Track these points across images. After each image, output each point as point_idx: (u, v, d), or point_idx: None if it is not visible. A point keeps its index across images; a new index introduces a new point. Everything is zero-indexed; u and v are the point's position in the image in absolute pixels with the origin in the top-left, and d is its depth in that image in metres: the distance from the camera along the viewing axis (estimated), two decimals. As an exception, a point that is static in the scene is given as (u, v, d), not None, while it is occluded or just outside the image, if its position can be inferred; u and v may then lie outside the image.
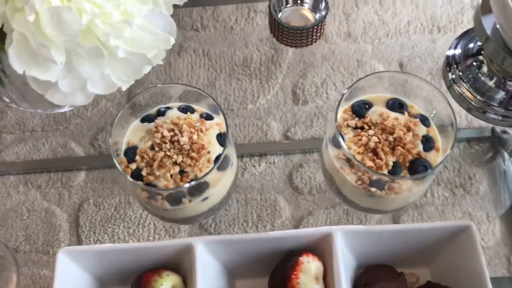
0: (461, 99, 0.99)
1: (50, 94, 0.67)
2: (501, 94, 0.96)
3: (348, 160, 0.74)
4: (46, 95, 0.67)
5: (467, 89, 0.98)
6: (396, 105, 0.77)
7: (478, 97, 0.97)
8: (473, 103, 0.98)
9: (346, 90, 0.77)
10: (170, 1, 0.69)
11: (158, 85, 0.78)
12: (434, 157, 0.77)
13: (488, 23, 0.87)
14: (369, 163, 0.73)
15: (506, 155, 0.98)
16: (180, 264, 0.74)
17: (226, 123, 0.74)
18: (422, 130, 0.76)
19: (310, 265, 0.75)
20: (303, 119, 1.02)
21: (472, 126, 1.02)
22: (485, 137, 1.02)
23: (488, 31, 0.83)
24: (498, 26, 0.84)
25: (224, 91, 1.04)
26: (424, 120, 0.77)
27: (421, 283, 0.83)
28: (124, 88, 0.68)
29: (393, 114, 0.76)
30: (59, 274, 0.73)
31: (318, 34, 1.00)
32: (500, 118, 0.98)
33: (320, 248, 0.77)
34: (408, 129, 0.75)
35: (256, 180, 0.97)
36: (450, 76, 1.00)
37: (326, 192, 0.96)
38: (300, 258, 0.75)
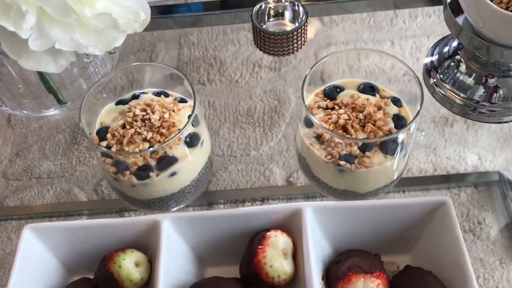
0: (445, 100, 0.96)
1: (24, 60, 0.68)
2: (481, 90, 0.92)
3: (318, 137, 0.73)
4: (20, 60, 0.68)
5: (449, 89, 0.95)
6: (368, 88, 0.76)
7: (461, 95, 0.94)
8: (456, 102, 0.95)
9: (312, 67, 0.77)
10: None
11: (131, 65, 0.77)
12: (408, 135, 0.74)
13: (459, 19, 0.86)
14: (338, 139, 0.71)
15: None
16: (147, 244, 0.70)
17: (194, 96, 0.74)
18: (393, 109, 0.74)
19: (278, 239, 0.69)
20: None
21: (478, 171, 0.97)
22: (492, 181, 0.96)
23: (462, 25, 0.84)
24: (469, 19, 0.83)
25: (228, 139, 1.01)
26: (396, 101, 0.75)
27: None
28: (91, 51, 0.68)
29: (364, 96, 0.75)
30: (23, 253, 0.70)
31: (300, 42, 0.99)
32: (486, 113, 0.94)
33: (290, 226, 0.71)
34: (379, 108, 0.73)
35: None
36: (432, 81, 0.97)
37: None
38: (268, 233, 0.70)
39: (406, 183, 0.95)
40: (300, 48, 1.01)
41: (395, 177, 0.78)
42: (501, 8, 0.74)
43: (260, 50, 1.01)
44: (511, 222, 0.90)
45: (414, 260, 0.77)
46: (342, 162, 0.70)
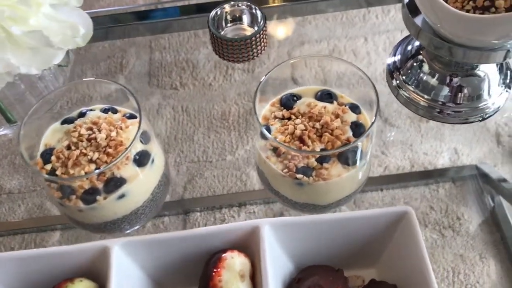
0: (409, 103, 0.87)
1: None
2: (446, 90, 0.84)
3: (274, 150, 0.65)
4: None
5: (413, 91, 0.86)
6: (325, 96, 0.69)
7: (425, 96, 0.85)
8: (421, 103, 0.86)
9: (265, 76, 0.69)
10: (80, -6, 0.60)
11: (77, 81, 0.68)
12: (366, 143, 0.66)
13: (417, 20, 0.77)
14: (295, 152, 0.64)
15: (493, 192, 0.84)
16: (98, 272, 0.62)
17: (140, 112, 0.65)
18: (351, 117, 0.67)
19: (234, 260, 0.62)
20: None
21: (456, 165, 0.89)
22: (470, 175, 0.88)
23: (421, 25, 0.75)
24: (427, 20, 0.74)
25: (203, 144, 0.93)
26: (355, 108, 0.68)
27: (367, 285, 0.67)
28: (26, 71, 0.58)
29: (321, 104, 0.68)
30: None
31: (260, 47, 0.90)
32: (451, 114, 0.85)
33: (249, 245, 0.63)
34: (337, 116, 0.66)
35: None
36: (395, 82, 0.88)
37: None
38: (224, 255, 0.62)
39: (384, 181, 0.88)
40: (261, 53, 0.92)
41: (357, 187, 0.70)
42: (456, 7, 0.62)
43: (220, 57, 0.91)
44: (489, 216, 0.83)
45: (380, 273, 0.70)
46: (299, 176, 0.63)
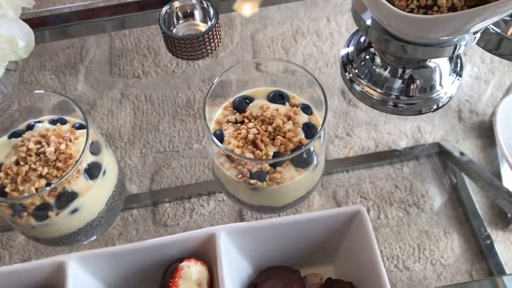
0: (364, 97, 0.83)
1: None
2: (398, 83, 0.80)
3: (228, 156, 0.62)
4: None
5: (366, 85, 0.82)
6: (277, 97, 0.66)
7: (378, 90, 0.81)
8: (374, 97, 0.82)
9: (212, 84, 0.64)
10: (17, 4, 0.54)
11: (24, 93, 0.63)
12: (318, 144, 0.63)
13: (366, 15, 0.73)
14: (249, 155, 0.61)
15: (456, 169, 0.82)
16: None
17: (86, 122, 0.60)
18: (303, 118, 0.64)
19: (191, 269, 0.59)
20: None
21: (419, 143, 0.86)
22: (433, 153, 0.86)
23: (368, 22, 0.71)
24: (374, 17, 0.71)
25: (169, 134, 0.89)
26: (306, 109, 0.66)
27: (325, 283, 0.66)
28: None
29: (273, 106, 0.65)
30: None
31: (213, 44, 0.85)
32: (405, 106, 0.81)
33: (206, 252, 0.61)
34: (289, 118, 0.64)
35: (205, 220, 0.81)
36: (348, 76, 0.85)
37: None
38: (180, 264, 0.59)
39: (350, 162, 0.85)
40: (215, 49, 0.88)
41: (312, 186, 0.68)
42: (401, 6, 0.58)
43: (173, 55, 0.85)
44: (452, 192, 0.81)
45: (337, 270, 0.68)
46: (253, 181, 0.61)
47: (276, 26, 1.01)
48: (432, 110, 0.81)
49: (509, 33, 0.77)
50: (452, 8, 0.59)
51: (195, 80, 0.95)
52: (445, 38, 0.65)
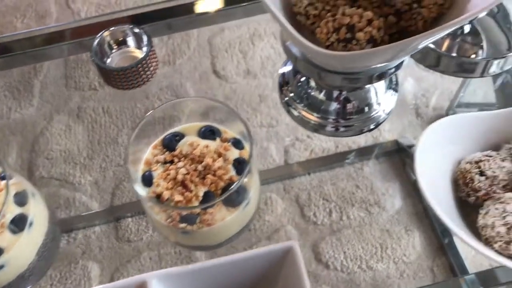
0: (303, 121, 0.79)
1: None
2: (334, 106, 0.77)
3: (157, 198, 0.60)
4: None
5: (302, 109, 0.78)
6: (208, 133, 0.64)
7: (315, 114, 0.77)
8: (312, 122, 0.78)
9: (138, 124, 0.62)
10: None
11: None
12: (250, 180, 0.61)
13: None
14: (178, 198, 0.58)
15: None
16: None
17: (7, 178, 0.57)
18: (234, 153, 0.62)
19: None
20: None
21: (378, 142, 0.86)
22: (391, 151, 0.86)
23: (296, 52, 0.67)
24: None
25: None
26: (238, 143, 0.63)
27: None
28: None
29: (203, 142, 0.63)
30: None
31: (149, 73, 0.83)
32: (344, 129, 0.78)
33: None
34: (219, 155, 0.61)
35: None
36: (284, 98, 0.80)
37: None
38: None
39: (311, 164, 0.85)
40: (152, 76, 0.84)
41: (248, 221, 0.65)
42: (322, 38, 0.58)
43: (111, 86, 0.83)
44: (412, 189, 0.81)
45: None
46: (182, 225, 0.58)
47: (233, 30, 1.00)
48: (371, 129, 0.78)
49: (443, 49, 0.77)
50: (372, 40, 0.57)
51: (153, 89, 0.94)
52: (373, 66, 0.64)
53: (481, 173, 0.62)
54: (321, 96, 0.77)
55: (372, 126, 0.78)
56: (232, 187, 0.57)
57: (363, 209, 0.81)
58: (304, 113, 0.78)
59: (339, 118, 0.77)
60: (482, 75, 0.78)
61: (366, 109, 0.77)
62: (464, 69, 0.78)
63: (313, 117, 0.78)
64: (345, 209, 0.81)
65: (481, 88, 0.91)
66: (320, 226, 0.80)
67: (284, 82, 0.81)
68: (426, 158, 0.64)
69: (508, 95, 0.87)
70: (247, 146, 0.62)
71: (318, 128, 0.79)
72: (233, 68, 0.94)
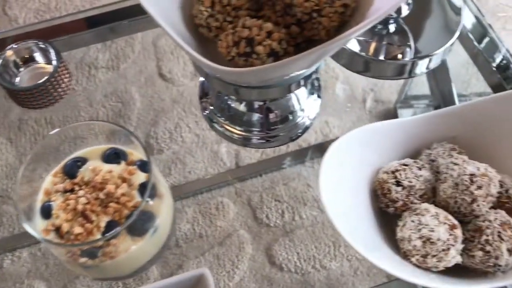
0: (227, 136, 0.78)
1: None
2: (256, 117, 0.75)
3: (57, 230, 0.57)
4: None
5: (224, 123, 0.77)
6: (112, 156, 0.60)
7: (237, 127, 0.76)
8: (235, 136, 0.77)
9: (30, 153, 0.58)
10: None
11: None
12: (158, 204, 0.58)
13: None
14: (78, 230, 0.55)
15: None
16: None
17: None
18: (139, 178, 0.59)
19: None
20: (160, 169, 0.84)
21: (328, 139, 0.85)
22: None
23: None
24: None
25: None
26: (144, 166, 0.60)
27: None
28: None
29: (107, 167, 0.59)
30: None
31: (60, 90, 0.81)
32: (271, 139, 0.77)
33: None
34: (123, 180, 0.58)
35: None
36: (205, 112, 0.78)
37: (193, 240, 0.78)
38: None
39: (262, 166, 0.84)
40: (66, 91, 0.82)
41: (158, 249, 0.62)
42: (223, 52, 0.56)
43: (21, 106, 0.82)
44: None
45: None
46: (83, 260, 0.55)
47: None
48: (298, 136, 0.78)
49: (371, 52, 0.76)
50: (273, 53, 0.55)
51: (97, 96, 0.91)
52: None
53: (398, 183, 0.61)
54: (242, 107, 0.75)
55: (299, 133, 0.77)
56: (132, 215, 0.54)
57: (315, 208, 0.80)
58: (227, 126, 0.76)
59: (264, 129, 0.76)
60: (410, 76, 0.77)
61: (290, 117, 0.76)
62: (391, 72, 0.77)
63: (236, 131, 0.76)
64: (297, 209, 0.80)
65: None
66: (273, 228, 0.80)
67: (203, 93, 0.79)
68: (336, 173, 0.62)
69: (442, 91, 0.86)
70: (154, 168, 0.59)
71: (244, 142, 0.77)
72: (180, 71, 0.93)
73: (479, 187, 0.57)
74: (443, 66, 0.83)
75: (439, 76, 0.86)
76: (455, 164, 0.59)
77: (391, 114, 0.89)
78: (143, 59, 0.96)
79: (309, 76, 0.63)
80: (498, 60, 0.81)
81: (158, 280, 0.73)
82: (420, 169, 0.62)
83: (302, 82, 0.63)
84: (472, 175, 0.58)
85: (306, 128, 0.78)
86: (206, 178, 0.83)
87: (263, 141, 0.76)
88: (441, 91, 0.85)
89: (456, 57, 0.86)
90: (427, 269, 0.58)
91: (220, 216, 0.80)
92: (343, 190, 0.61)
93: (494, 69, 0.80)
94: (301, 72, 0.60)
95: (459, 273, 0.58)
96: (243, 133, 0.76)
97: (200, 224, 0.80)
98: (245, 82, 0.61)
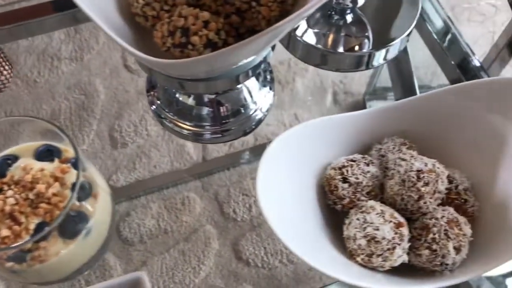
0: (181, 134, 0.75)
1: None
2: (205, 110, 0.73)
3: None
4: None
5: (173, 118, 0.74)
6: (45, 153, 0.58)
7: (187, 123, 0.73)
8: (185, 132, 0.74)
9: None
10: None
11: None
12: (92, 205, 0.57)
13: None
14: (5, 233, 0.52)
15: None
16: None
17: None
18: (73, 176, 0.56)
19: None
20: (125, 163, 0.84)
21: None
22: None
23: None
24: None
25: None
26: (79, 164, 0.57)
27: None
28: None
29: (38, 165, 0.56)
30: None
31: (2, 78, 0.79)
32: (223, 135, 0.75)
33: None
34: (56, 179, 0.55)
35: None
36: (152, 106, 0.75)
37: (158, 236, 0.78)
38: None
39: (230, 159, 0.84)
40: (6, 82, 0.81)
41: (94, 252, 0.60)
42: (158, 43, 0.54)
43: None
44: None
45: None
46: (9, 264, 0.52)
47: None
48: (253, 129, 0.76)
49: (329, 44, 0.75)
50: (211, 44, 0.53)
51: (60, 89, 0.90)
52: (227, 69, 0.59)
53: (344, 180, 0.60)
54: (191, 101, 0.73)
55: (253, 126, 0.75)
56: (59, 215, 0.51)
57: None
58: (176, 122, 0.74)
59: (215, 123, 0.74)
60: (367, 67, 0.75)
61: (242, 110, 0.74)
62: (349, 64, 0.75)
63: (186, 126, 0.74)
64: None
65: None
66: (240, 223, 0.79)
67: (150, 87, 0.76)
68: (278, 171, 0.60)
69: (403, 83, 0.85)
70: (89, 166, 0.57)
71: (195, 137, 0.75)
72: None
73: (426, 184, 0.56)
74: (403, 57, 0.81)
75: (400, 68, 0.85)
76: (403, 159, 0.58)
77: (360, 105, 0.88)
78: (108, 50, 0.95)
79: (258, 66, 0.61)
80: (456, 53, 0.80)
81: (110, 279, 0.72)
82: (368, 165, 0.61)
83: (250, 73, 0.61)
84: (419, 171, 0.56)
85: (259, 121, 0.76)
86: (171, 172, 0.83)
87: (216, 135, 0.74)
88: (402, 83, 0.84)
89: (423, 48, 0.85)
90: (373, 268, 0.56)
91: (186, 211, 0.80)
92: (286, 189, 0.59)
93: (452, 63, 0.79)
94: (244, 62, 0.59)
95: (408, 272, 0.57)
96: (193, 128, 0.73)
97: (165, 219, 0.79)
98: (184, 75, 0.58)
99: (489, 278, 0.70)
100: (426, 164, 0.57)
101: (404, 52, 0.79)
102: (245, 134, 0.75)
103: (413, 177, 0.56)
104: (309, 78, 0.92)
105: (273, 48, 0.63)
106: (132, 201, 0.80)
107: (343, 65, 0.75)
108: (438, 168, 0.57)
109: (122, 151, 0.85)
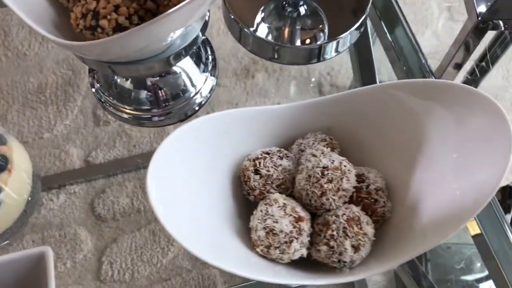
0: (121, 117, 0.77)
1: None
2: (144, 94, 0.75)
3: None
4: None
5: (112, 102, 0.76)
6: None
7: (127, 107, 0.75)
8: (125, 115, 0.76)
9: None
10: None
11: None
12: (5, 178, 0.60)
13: None
14: None
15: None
16: None
17: None
18: None
19: None
20: (105, 141, 0.86)
21: None
22: None
23: None
24: None
25: (17, 123, 0.88)
26: None
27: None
28: None
29: None
30: None
31: None
32: (163, 118, 0.77)
33: None
34: None
35: (54, 215, 0.79)
36: (93, 90, 0.77)
37: (131, 215, 0.80)
38: None
39: None
40: None
41: (9, 224, 0.64)
42: (73, 25, 0.57)
43: None
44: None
45: None
46: None
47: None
48: (194, 111, 0.78)
49: (285, 37, 0.76)
50: (120, 28, 0.56)
51: (48, 62, 0.93)
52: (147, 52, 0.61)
53: (256, 172, 0.62)
54: (128, 84, 0.75)
55: (195, 109, 0.77)
56: None
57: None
58: (117, 106, 0.76)
59: (154, 107, 0.76)
60: (319, 60, 0.76)
61: (181, 93, 0.76)
62: (301, 57, 0.76)
63: (126, 110, 0.76)
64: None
65: (381, 63, 0.89)
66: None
67: (90, 68, 0.78)
68: (172, 168, 0.60)
69: (364, 77, 0.85)
70: (11, 141, 0.60)
71: (137, 121, 0.77)
72: None
73: (330, 181, 0.57)
74: (364, 50, 0.82)
75: (360, 61, 0.85)
76: (313, 155, 0.59)
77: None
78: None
79: (188, 49, 0.64)
80: (406, 53, 0.79)
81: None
82: (281, 158, 0.62)
83: (182, 55, 0.64)
84: (324, 168, 0.57)
85: (200, 105, 0.78)
86: (150, 152, 0.83)
87: (159, 118, 0.76)
88: (362, 77, 0.84)
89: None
90: (273, 260, 0.58)
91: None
92: (186, 183, 0.60)
93: (401, 63, 0.79)
94: (169, 45, 0.61)
95: (311, 267, 0.58)
96: (134, 112, 0.76)
97: (139, 199, 0.81)
98: (108, 58, 0.61)
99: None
100: (333, 162, 0.58)
101: (365, 43, 0.80)
102: (187, 117, 0.77)
103: (318, 173, 0.58)
104: (297, 68, 0.92)
105: (203, 33, 0.64)
106: (109, 179, 0.83)
107: (295, 58, 0.76)
108: (345, 166, 0.58)
109: (104, 128, 0.87)
